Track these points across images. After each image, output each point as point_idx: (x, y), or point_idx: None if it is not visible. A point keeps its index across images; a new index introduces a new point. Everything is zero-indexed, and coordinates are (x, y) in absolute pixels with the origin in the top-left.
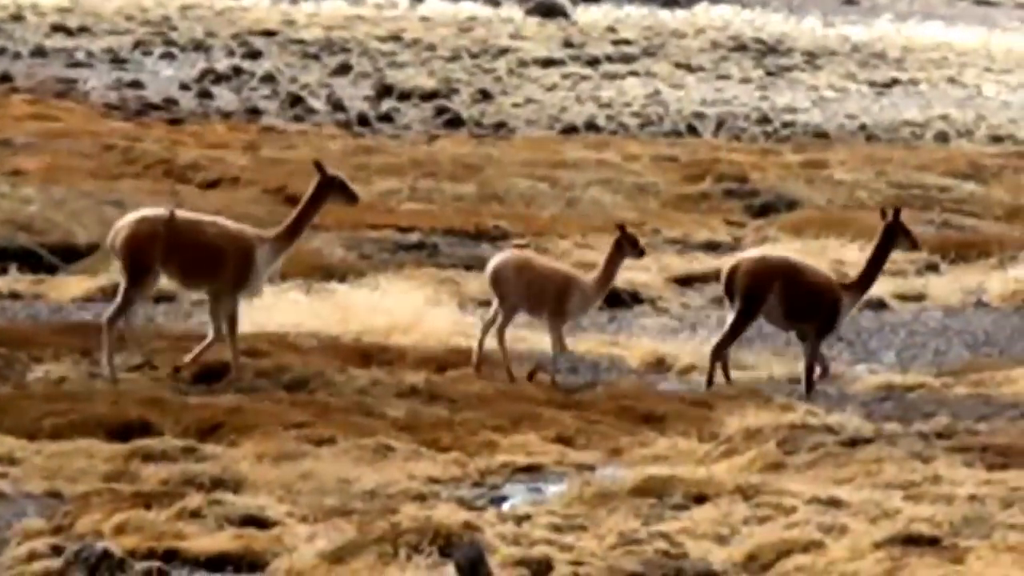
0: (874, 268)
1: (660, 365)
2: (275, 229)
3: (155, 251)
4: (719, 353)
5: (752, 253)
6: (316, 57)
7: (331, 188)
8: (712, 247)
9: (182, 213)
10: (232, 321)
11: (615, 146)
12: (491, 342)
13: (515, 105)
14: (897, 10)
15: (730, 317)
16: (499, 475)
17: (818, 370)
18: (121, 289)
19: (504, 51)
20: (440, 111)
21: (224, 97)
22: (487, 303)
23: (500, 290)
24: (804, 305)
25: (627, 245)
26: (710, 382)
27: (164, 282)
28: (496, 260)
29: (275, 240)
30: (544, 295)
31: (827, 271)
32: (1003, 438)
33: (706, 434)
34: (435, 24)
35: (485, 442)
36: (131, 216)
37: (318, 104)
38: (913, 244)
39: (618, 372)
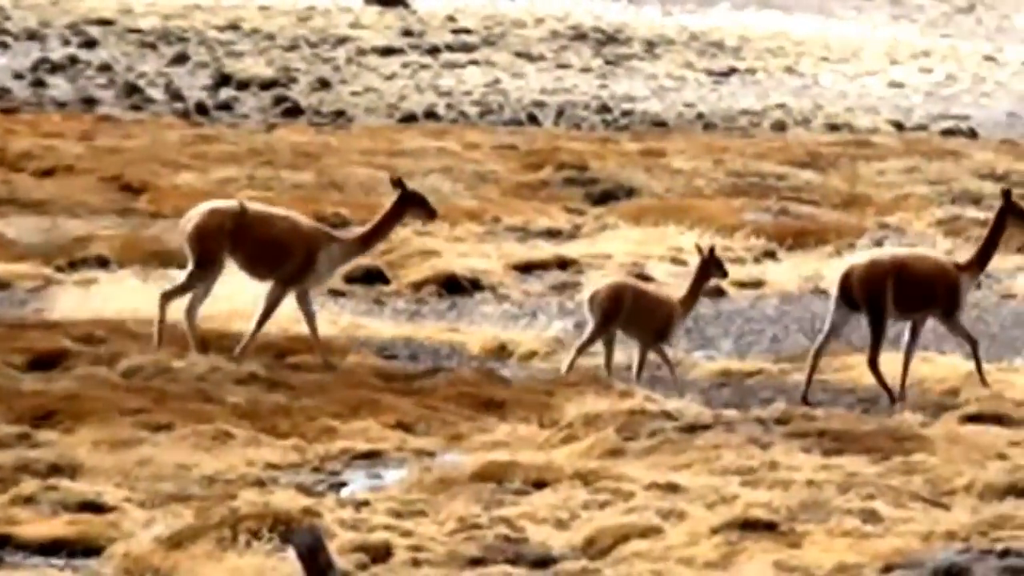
0: (990, 246)
1: (501, 352)
2: (351, 233)
3: (223, 241)
4: (875, 364)
5: (861, 258)
6: (153, 46)
7: (411, 203)
8: (552, 235)
9: (253, 206)
10: (311, 316)
11: (455, 135)
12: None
13: (354, 94)
14: None
15: (830, 319)
16: (338, 461)
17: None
18: (186, 272)
19: (343, 40)
20: (279, 100)
21: (59, 86)
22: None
23: (608, 315)
24: (919, 296)
25: (713, 267)
26: (891, 395)
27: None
28: (608, 286)
29: (348, 243)
30: (653, 320)
31: (940, 257)
32: (839, 424)
33: (546, 420)
34: (274, 13)
35: (324, 428)
36: (203, 206)
37: (156, 93)
38: None
39: (459, 359)
